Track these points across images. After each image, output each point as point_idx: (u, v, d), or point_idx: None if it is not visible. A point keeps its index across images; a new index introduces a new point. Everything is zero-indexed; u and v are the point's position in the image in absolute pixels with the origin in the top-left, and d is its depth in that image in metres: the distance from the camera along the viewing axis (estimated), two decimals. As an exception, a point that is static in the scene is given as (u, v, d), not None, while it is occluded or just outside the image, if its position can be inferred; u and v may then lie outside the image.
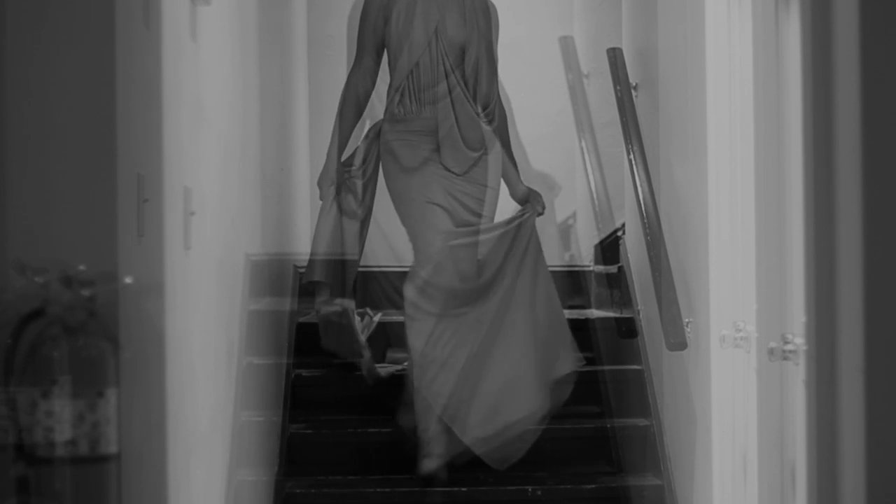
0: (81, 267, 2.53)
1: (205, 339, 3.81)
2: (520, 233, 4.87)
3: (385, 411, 5.08)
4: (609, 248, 5.97)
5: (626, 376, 5.35)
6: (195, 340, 3.62)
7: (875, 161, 2.43)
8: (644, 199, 4.98)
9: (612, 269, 5.83)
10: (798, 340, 3.22)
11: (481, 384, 4.79)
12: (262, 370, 4.90)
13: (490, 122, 4.90)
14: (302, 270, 5.85)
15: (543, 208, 5.01)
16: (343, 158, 4.95)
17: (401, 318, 5.08)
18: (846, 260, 2.47)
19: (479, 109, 4.87)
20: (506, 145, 5.02)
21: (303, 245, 6.55)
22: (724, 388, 4.14)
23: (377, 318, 5.28)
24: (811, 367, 2.59)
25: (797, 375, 3.29)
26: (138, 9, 2.87)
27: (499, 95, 4.99)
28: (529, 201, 5.00)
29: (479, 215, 4.87)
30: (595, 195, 6.16)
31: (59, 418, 2.46)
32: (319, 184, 4.93)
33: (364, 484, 4.93)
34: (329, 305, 4.92)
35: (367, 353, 5.01)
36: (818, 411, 2.54)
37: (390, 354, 5.25)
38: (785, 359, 3.30)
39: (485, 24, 4.90)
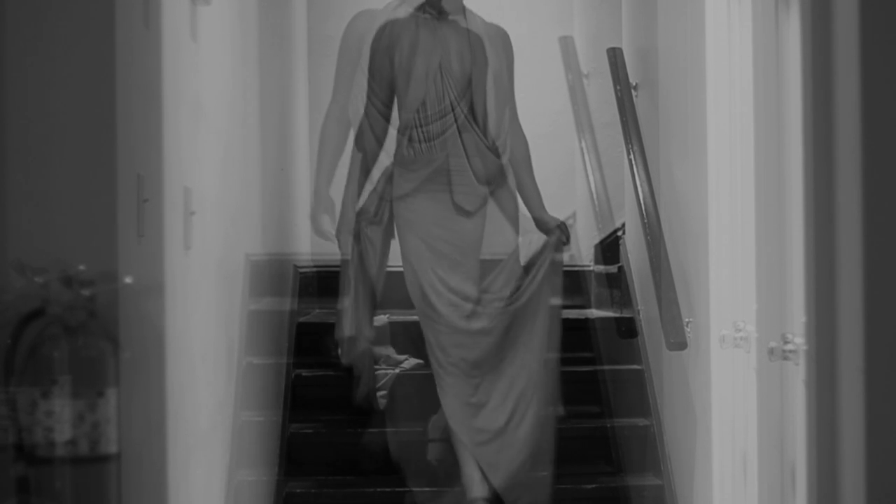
0: (81, 267, 2.53)
1: (205, 339, 3.81)
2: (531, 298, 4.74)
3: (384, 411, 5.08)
4: (609, 248, 5.97)
5: (626, 376, 5.35)
6: (195, 340, 3.62)
7: (875, 161, 2.44)
8: (644, 199, 4.98)
9: (612, 269, 5.84)
10: (798, 340, 3.22)
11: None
12: (262, 370, 4.90)
13: (501, 155, 4.78)
14: (302, 270, 5.86)
15: (568, 239, 4.85)
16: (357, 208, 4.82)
17: (405, 318, 5.06)
18: (846, 260, 2.47)
19: (489, 142, 4.74)
20: (526, 174, 4.88)
21: (303, 245, 6.56)
22: (724, 388, 4.14)
23: (387, 318, 5.25)
24: (811, 367, 2.59)
25: (797, 375, 3.29)
26: (138, 9, 2.87)
27: (517, 124, 4.87)
28: (552, 232, 4.83)
29: (485, 290, 4.72)
30: (595, 195, 6.17)
31: (59, 418, 2.46)
32: (337, 235, 4.81)
33: (364, 484, 4.93)
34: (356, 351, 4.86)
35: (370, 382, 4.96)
36: (818, 411, 2.54)
37: (389, 356, 5.24)
38: (785, 359, 3.30)
39: (493, 53, 4.77)
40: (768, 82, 3.54)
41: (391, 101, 4.77)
